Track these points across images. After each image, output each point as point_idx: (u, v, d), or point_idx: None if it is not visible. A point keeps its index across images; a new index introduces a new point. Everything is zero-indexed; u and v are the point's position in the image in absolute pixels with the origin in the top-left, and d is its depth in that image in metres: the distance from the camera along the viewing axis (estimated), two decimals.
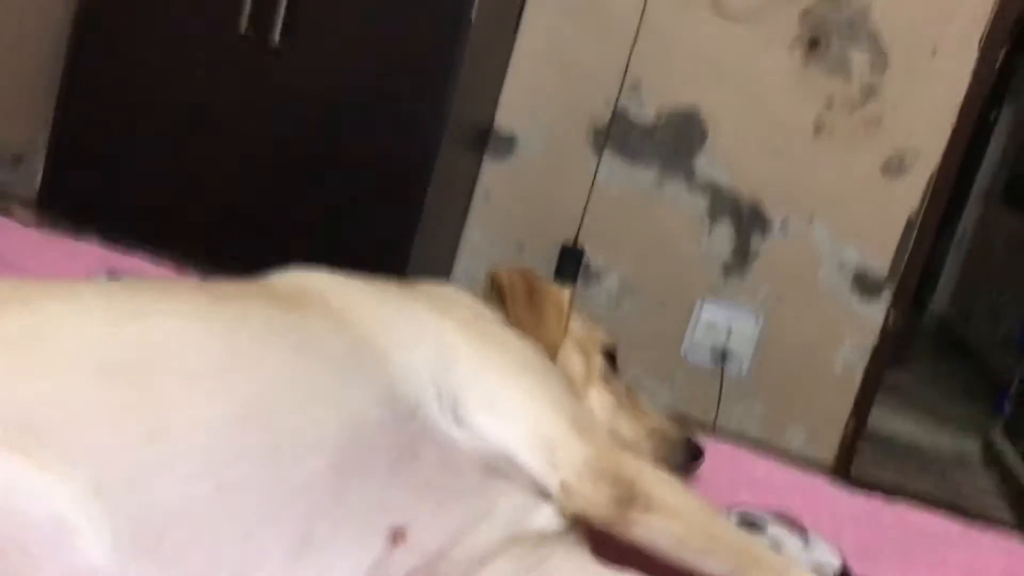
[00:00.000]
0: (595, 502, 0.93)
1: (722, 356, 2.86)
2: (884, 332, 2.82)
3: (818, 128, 2.75)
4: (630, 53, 2.77)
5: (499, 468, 0.92)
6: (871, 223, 2.74)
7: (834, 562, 1.16)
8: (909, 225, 2.72)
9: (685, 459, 1.22)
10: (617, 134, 2.83)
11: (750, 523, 1.19)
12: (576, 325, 1.24)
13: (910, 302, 2.81)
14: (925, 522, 1.29)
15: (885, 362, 2.86)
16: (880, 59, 2.70)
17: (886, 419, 3.96)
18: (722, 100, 2.77)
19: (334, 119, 2.38)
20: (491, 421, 0.92)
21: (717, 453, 1.29)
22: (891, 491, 3.01)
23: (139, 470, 0.70)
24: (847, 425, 2.87)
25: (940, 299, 6.19)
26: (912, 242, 2.72)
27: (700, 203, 2.81)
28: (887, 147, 2.72)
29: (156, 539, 0.69)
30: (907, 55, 2.67)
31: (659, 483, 0.96)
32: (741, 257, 2.85)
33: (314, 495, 0.78)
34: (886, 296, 2.80)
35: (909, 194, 2.72)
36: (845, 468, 2.87)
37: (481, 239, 2.93)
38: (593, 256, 2.89)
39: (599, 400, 1.20)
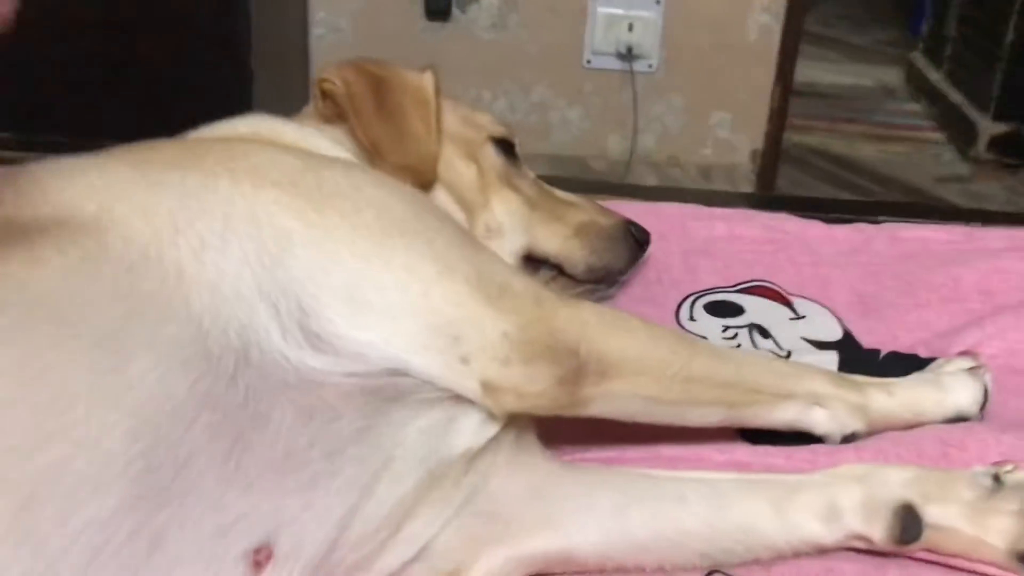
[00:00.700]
0: (533, 391, 0.65)
1: (628, 54, 2.59)
2: None
3: None
4: None
5: (388, 390, 0.63)
6: None
7: (833, 332, 0.94)
8: None
9: (629, 250, 0.95)
10: None
11: (725, 308, 0.96)
12: (451, 119, 0.92)
13: None
14: (922, 239, 1.06)
15: (801, 16, 2.61)
16: None
17: (803, 68, 3.74)
18: None
19: None
20: (360, 325, 0.62)
21: (661, 221, 1.03)
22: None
23: None
24: (772, 95, 2.66)
25: None
26: None
27: None
28: None
29: None
30: None
31: (611, 333, 0.69)
32: None
33: (111, 558, 0.50)
34: None
35: None
36: (777, 142, 2.69)
37: None
38: None
39: (505, 209, 0.91)
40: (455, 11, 2.54)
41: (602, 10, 2.54)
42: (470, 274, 0.67)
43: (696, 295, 0.98)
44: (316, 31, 2.56)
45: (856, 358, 0.91)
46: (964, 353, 0.88)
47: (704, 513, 0.68)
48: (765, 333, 0.93)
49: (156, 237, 0.60)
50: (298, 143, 0.79)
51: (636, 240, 0.96)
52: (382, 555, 0.64)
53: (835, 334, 0.94)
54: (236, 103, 2.07)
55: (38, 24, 1.94)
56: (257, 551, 0.56)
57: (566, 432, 0.76)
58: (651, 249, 1.00)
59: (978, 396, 0.81)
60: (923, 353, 0.91)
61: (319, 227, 0.64)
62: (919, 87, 3.61)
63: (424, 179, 0.85)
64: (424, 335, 0.63)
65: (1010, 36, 3.00)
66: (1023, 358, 0.90)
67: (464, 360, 0.64)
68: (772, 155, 2.71)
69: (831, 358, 0.90)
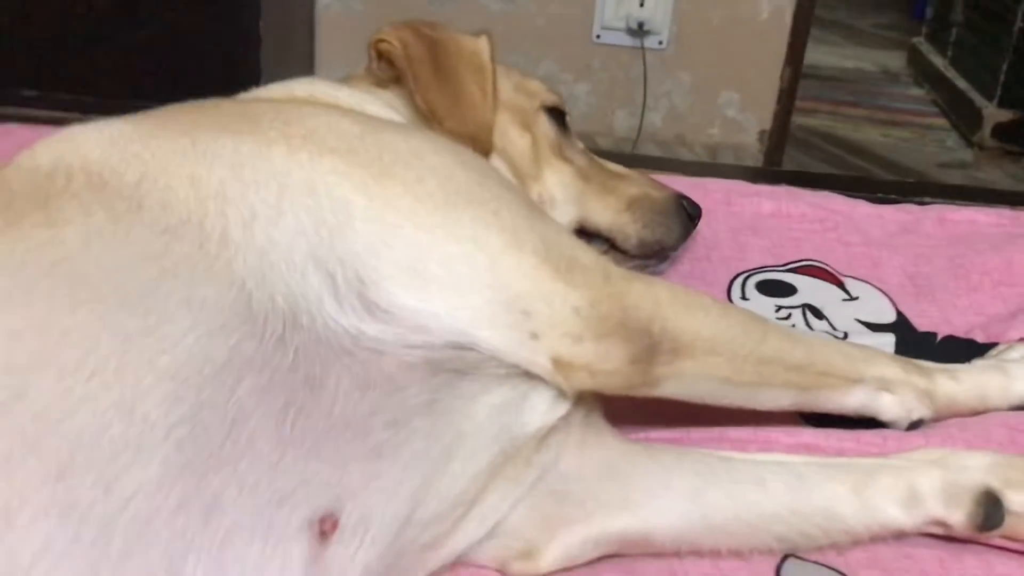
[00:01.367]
0: (606, 369, 0.63)
1: (639, 30, 2.57)
2: None
3: None
4: None
5: (455, 363, 0.61)
6: None
7: (887, 314, 0.92)
8: None
9: (681, 225, 0.93)
10: None
11: (777, 288, 0.93)
12: (505, 86, 0.89)
13: None
14: (970, 221, 1.04)
15: None
16: None
17: (808, 51, 3.73)
18: None
19: None
20: (423, 297, 0.59)
21: (704, 195, 1.01)
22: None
23: None
24: (782, 76, 2.64)
25: None
26: None
27: None
28: None
29: None
30: None
31: (684, 311, 0.66)
32: None
33: (159, 528, 0.47)
34: None
35: None
36: (785, 123, 2.68)
37: None
38: None
39: (558, 180, 0.88)
40: None
41: None
42: (538, 246, 0.64)
43: (747, 273, 0.96)
44: (323, 1, 2.52)
45: (913, 341, 0.89)
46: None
47: (783, 496, 0.66)
48: (819, 314, 0.91)
49: (201, 205, 0.57)
50: (352, 107, 0.76)
51: (688, 214, 0.93)
52: (454, 534, 0.62)
53: (889, 316, 0.92)
54: (243, 67, 2.05)
55: None
56: (322, 520, 0.53)
57: (629, 413, 0.74)
58: (700, 226, 0.97)
59: None
60: (980, 338, 0.90)
61: (380, 198, 0.61)
62: (923, 72, 3.60)
63: (481, 147, 0.82)
64: (492, 309, 0.60)
65: (1018, 23, 2.98)
66: None
67: (534, 336, 0.61)
68: (780, 136, 2.69)
69: (888, 340, 0.88)
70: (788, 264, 0.97)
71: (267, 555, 0.51)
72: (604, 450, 0.68)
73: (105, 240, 0.55)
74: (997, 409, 0.79)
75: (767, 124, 2.65)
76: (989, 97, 3.08)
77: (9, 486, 0.45)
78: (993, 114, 3.04)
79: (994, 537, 0.66)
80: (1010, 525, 0.66)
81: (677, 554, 0.66)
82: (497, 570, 0.65)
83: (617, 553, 0.66)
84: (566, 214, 0.89)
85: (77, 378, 0.48)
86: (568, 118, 0.94)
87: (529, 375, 0.63)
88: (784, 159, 2.77)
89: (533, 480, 0.65)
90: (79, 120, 0.65)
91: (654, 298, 0.66)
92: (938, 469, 0.67)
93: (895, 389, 0.75)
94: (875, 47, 4.01)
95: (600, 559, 0.66)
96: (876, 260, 0.98)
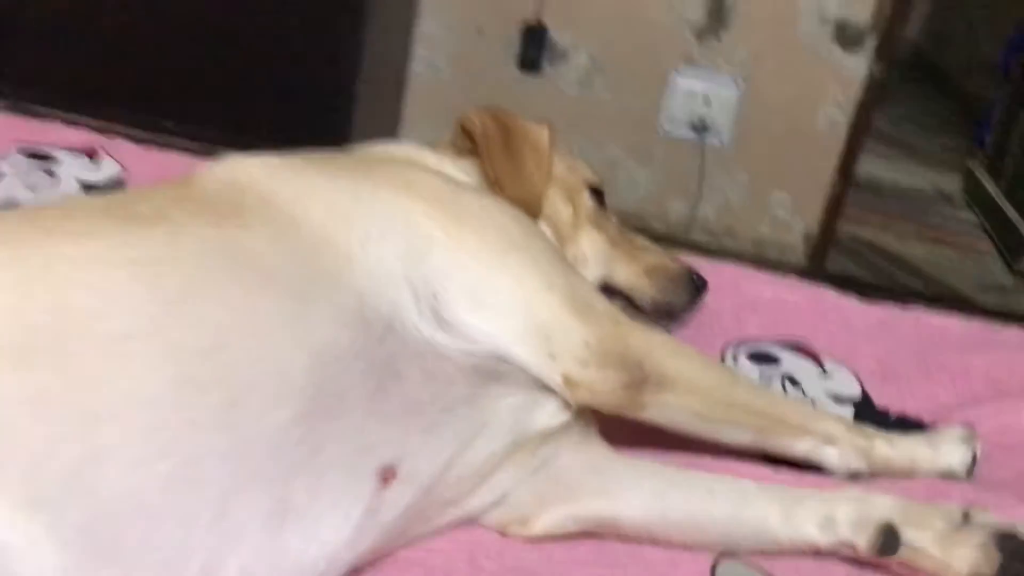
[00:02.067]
0: (603, 390, 0.84)
1: (701, 127, 2.74)
2: (869, 84, 2.69)
3: None
4: None
5: (492, 370, 0.81)
6: None
7: (853, 390, 1.10)
8: None
9: (689, 293, 1.13)
10: None
11: (763, 358, 1.12)
12: (558, 166, 1.11)
13: (894, 52, 2.66)
14: (942, 327, 1.22)
15: (870, 115, 2.75)
16: None
17: (866, 163, 3.89)
18: None
19: None
20: (478, 317, 0.80)
21: (718, 277, 1.20)
22: (880, 250, 2.95)
23: (75, 469, 0.59)
24: (833, 184, 2.79)
25: (913, 24, 5.94)
26: None
27: None
28: None
29: (112, 542, 0.59)
30: None
31: (671, 356, 0.87)
32: (715, 18, 2.67)
33: (285, 453, 0.68)
34: (869, 46, 2.65)
35: None
36: (831, 229, 2.81)
37: (436, 29, 2.72)
38: (558, 34, 2.70)
39: (591, 244, 1.09)
40: (546, 66, 2.71)
41: (683, 82, 2.69)
42: (565, 290, 0.85)
43: (740, 343, 1.15)
44: (416, 68, 2.75)
45: (869, 414, 1.07)
46: (963, 424, 1.03)
47: (727, 506, 0.85)
48: (795, 383, 1.10)
49: (334, 226, 0.79)
50: (437, 168, 0.98)
51: (696, 285, 1.13)
52: (471, 497, 0.82)
53: (855, 393, 1.10)
54: (338, 121, 2.28)
55: (164, 28, 2.17)
56: (386, 469, 0.74)
57: (625, 437, 0.93)
58: (708, 300, 1.17)
59: (966, 459, 0.97)
60: (927, 420, 1.07)
61: (455, 238, 0.83)
62: (975, 196, 3.71)
63: (532, 211, 1.04)
64: (524, 331, 0.82)
65: None
66: (1013, 436, 1.05)
67: (552, 356, 0.82)
68: (825, 241, 2.82)
69: (848, 411, 1.06)
70: (777, 339, 1.16)
71: (347, 487, 0.71)
72: (593, 453, 0.88)
73: (277, 245, 0.76)
74: (925, 475, 0.96)
75: (813, 228, 2.78)
76: None
77: (196, 405, 0.65)
78: None
79: (892, 563, 0.84)
80: (906, 555, 0.83)
81: (639, 539, 0.85)
82: (498, 530, 0.85)
83: (592, 531, 0.85)
84: (594, 272, 1.09)
85: (252, 343, 0.69)
86: (605, 197, 1.15)
87: (544, 387, 0.84)
88: (828, 263, 2.91)
89: (536, 466, 0.85)
90: (204, 152, 0.88)
91: (649, 342, 0.86)
92: (854, 503, 0.85)
93: (838, 444, 0.94)
94: (934, 167, 4.14)
95: (581, 535, 0.85)
96: (853, 347, 1.17)
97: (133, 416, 0.62)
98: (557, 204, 1.08)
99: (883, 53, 2.65)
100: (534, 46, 2.70)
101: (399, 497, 0.74)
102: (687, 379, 0.87)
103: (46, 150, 1.26)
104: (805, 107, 2.71)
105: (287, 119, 2.23)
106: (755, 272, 1.27)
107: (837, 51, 2.66)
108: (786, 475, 0.92)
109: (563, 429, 0.87)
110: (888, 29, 2.62)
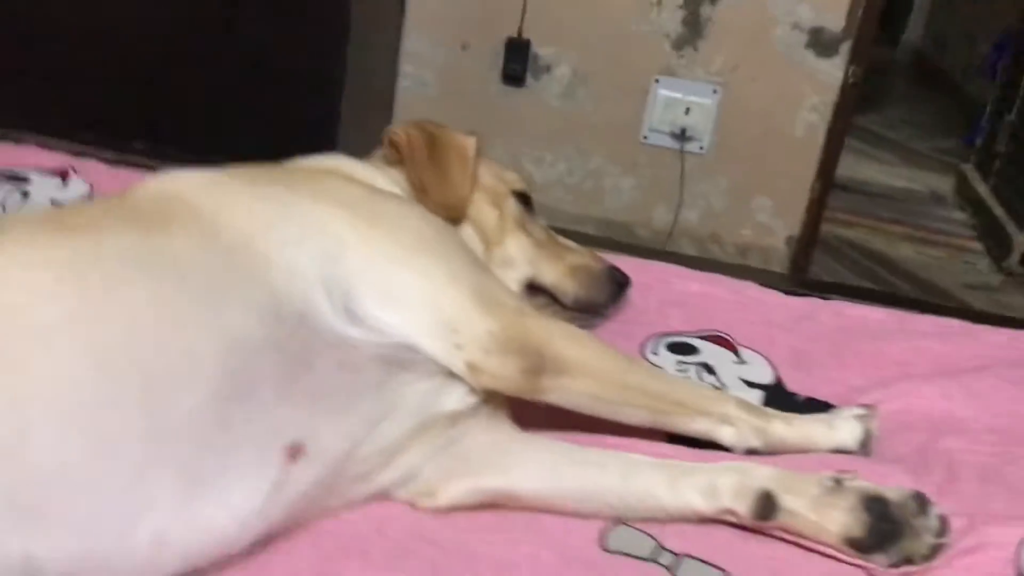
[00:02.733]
0: (504, 376, 0.92)
1: (682, 135, 2.80)
2: (844, 88, 2.75)
3: None
4: None
5: (401, 359, 0.90)
6: None
7: (767, 377, 1.17)
8: None
9: (612, 290, 1.21)
10: None
11: (682, 348, 1.20)
12: (484, 173, 1.19)
13: (869, 56, 2.71)
14: (861, 317, 1.29)
15: (847, 119, 2.80)
16: None
17: (859, 166, 3.94)
18: None
19: None
20: (387, 312, 0.89)
21: (648, 274, 1.28)
22: (863, 249, 2.98)
23: (6, 441, 0.68)
24: (813, 188, 2.84)
25: (914, 27, 5.99)
26: None
27: None
28: None
29: (35, 507, 0.69)
30: None
31: (569, 342, 0.95)
32: (692, 29, 2.73)
33: (197, 431, 0.76)
34: (844, 51, 2.71)
35: None
36: (813, 231, 2.87)
37: (422, 46, 2.81)
38: (541, 48, 2.78)
39: (517, 246, 1.18)
40: (529, 78, 2.79)
41: (663, 93, 2.76)
42: (473, 285, 0.93)
43: (662, 335, 1.23)
44: (403, 83, 2.84)
45: (779, 398, 1.14)
46: (863, 405, 1.10)
47: (617, 478, 0.93)
48: (711, 371, 1.17)
49: (255, 232, 0.88)
50: (364, 178, 1.07)
51: (618, 283, 1.21)
52: (380, 473, 0.91)
53: (768, 379, 1.18)
54: (323, 139, 2.36)
55: (154, 55, 2.25)
56: (294, 447, 0.82)
57: (537, 419, 1.01)
58: (634, 296, 1.25)
59: (858, 435, 1.04)
60: (835, 402, 1.14)
61: (368, 240, 0.91)
62: (966, 197, 3.74)
63: (457, 215, 1.12)
64: (431, 324, 0.90)
65: None
66: (913, 415, 1.12)
67: (457, 346, 0.90)
68: (807, 243, 2.87)
69: (758, 395, 1.14)
70: (697, 332, 1.24)
71: (257, 462, 0.80)
72: (498, 434, 0.97)
73: (197, 251, 0.85)
74: (820, 451, 1.03)
75: (796, 231, 2.83)
76: (1022, 226, 3.24)
77: (114, 388, 0.74)
78: (1023, 242, 3.20)
79: (771, 527, 0.91)
80: (783, 520, 0.90)
81: (537, 509, 0.93)
82: (408, 503, 0.93)
83: (493, 503, 0.94)
84: (520, 272, 1.18)
85: (172, 335, 0.78)
86: (533, 201, 1.23)
87: (450, 373, 0.92)
88: (813, 265, 2.96)
89: (443, 445, 0.94)
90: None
91: (548, 330, 0.95)
92: (735, 473, 0.92)
93: (735, 424, 1.01)
94: (928, 169, 4.18)
95: (484, 507, 0.93)
96: (771, 337, 1.24)
97: (56, 397, 0.71)
98: (483, 209, 1.16)
99: (858, 58, 2.70)
100: (518, 60, 2.78)
101: (306, 473, 0.83)
102: (584, 364, 0.95)
103: (22, 172, 1.37)
104: (783, 113, 2.76)
105: (271, 140, 2.30)
106: (683, 269, 1.34)
107: (812, 57, 2.72)
108: (686, 453, 0.99)
109: (472, 411, 0.95)
110: (862, 35, 2.68)
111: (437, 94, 2.82)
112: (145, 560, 0.73)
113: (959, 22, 5.26)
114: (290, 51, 2.30)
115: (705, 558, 0.88)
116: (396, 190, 1.10)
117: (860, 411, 1.06)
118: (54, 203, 1.33)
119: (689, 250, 2.85)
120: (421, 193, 1.11)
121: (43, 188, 1.33)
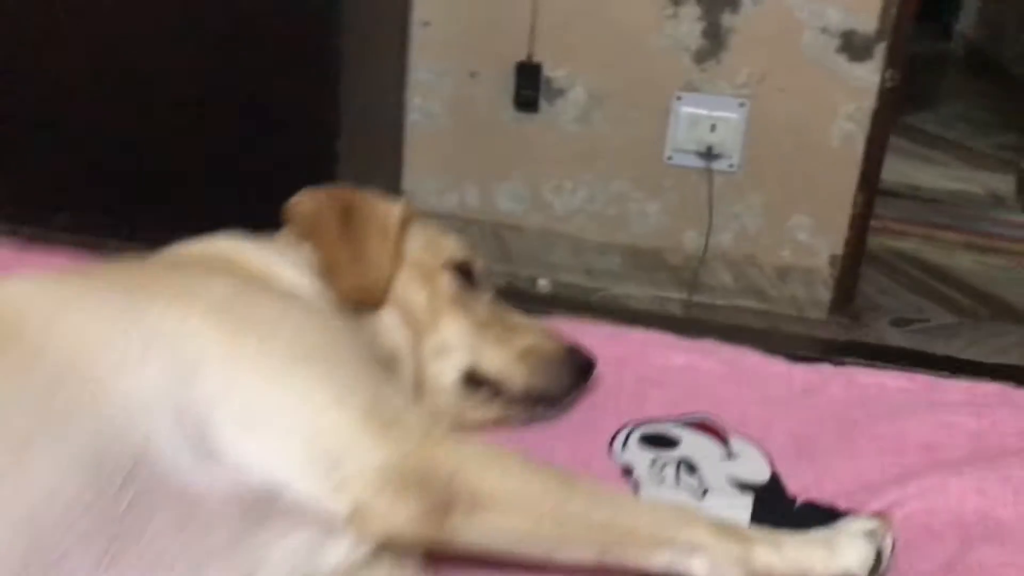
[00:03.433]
0: (400, 520, 0.73)
1: (709, 153, 2.63)
2: (882, 93, 2.55)
3: None
4: None
5: (263, 510, 0.72)
6: None
7: (761, 474, 0.97)
8: None
9: (571, 375, 1.02)
10: None
11: (659, 440, 1.00)
12: (413, 245, 1.01)
13: (906, 57, 2.50)
14: (879, 385, 1.08)
15: (888, 126, 2.61)
16: None
17: (910, 170, 3.69)
18: None
19: None
20: (251, 442, 0.71)
21: (624, 346, 1.09)
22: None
23: None
24: (855, 201, 2.65)
25: (967, 18, 5.68)
26: None
27: None
28: None
29: None
30: None
31: (487, 469, 0.76)
32: (713, 40, 2.58)
33: None
34: (879, 53, 2.51)
35: None
36: (859, 247, 2.66)
37: (429, 75, 2.69)
38: (552, 71, 2.62)
39: (453, 330, 0.99)
40: (543, 103, 2.65)
41: (686, 110, 2.59)
42: (366, 403, 0.75)
43: (636, 425, 1.03)
44: (412, 116, 2.72)
45: (772, 503, 0.94)
46: (877, 513, 0.90)
47: None
48: (693, 469, 0.97)
49: (83, 353, 0.71)
50: (257, 265, 0.89)
51: (579, 367, 1.02)
52: None
53: (763, 476, 0.97)
54: (320, 184, 2.22)
55: (138, 97, 2.14)
56: None
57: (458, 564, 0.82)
58: (607, 374, 1.05)
59: (868, 559, 0.83)
60: (843, 504, 0.94)
61: (232, 352, 0.74)
62: None
63: (373, 299, 0.94)
64: (305, 457, 0.72)
65: None
66: (940, 519, 0.91)
67: (338, 487, 0.72)
68: (852, 261, 2.69)
69: (746, 502, 0.94)
70: (679, 417, 1.04)
71: None
72: None
73: (15, 378, 0.69)
74: None
75: (839, 249, 2.65)
76: None
77: None
78: None
79: None
80: None
81: None
82: None
83: None
84: (457, 360, 0.99)
85: None
86: (476, 272, 1.05)
87: (332, 522, 0.73)
88: (863, 283, 2.77)
89: None
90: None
91: (460, 454, 0.76)
92: None
93: (707, 553, 0.81)
94: (986, 168, 3.92)
95: None
96: (769, 419, 1.04)
97: None
98: (410, 288, 0.98)
99: (895, 60, 2.51)
100: (529, 85, 2.65)
101: None
102: (506, 493, 0.76)
103: None
104: (817, 123, 2.59)
105: (271, 185, 2.18)
106: (665, 336, 1.14)
107: (844, 62, 2.54)
108: None
109: (366, 565, 0.76)
110: (898, 35, 2.48)
111: (448, 125, 2.70)
112: None
113: (1013, 8, 4.96)
114: (279, 87, 2.16)
115: None
116: (301, 275, 0.93)
117: (870, 524, 0.86)
118: None
119: (725, 276, 2.69)
120: (329, 275, 0.94)
121: None
